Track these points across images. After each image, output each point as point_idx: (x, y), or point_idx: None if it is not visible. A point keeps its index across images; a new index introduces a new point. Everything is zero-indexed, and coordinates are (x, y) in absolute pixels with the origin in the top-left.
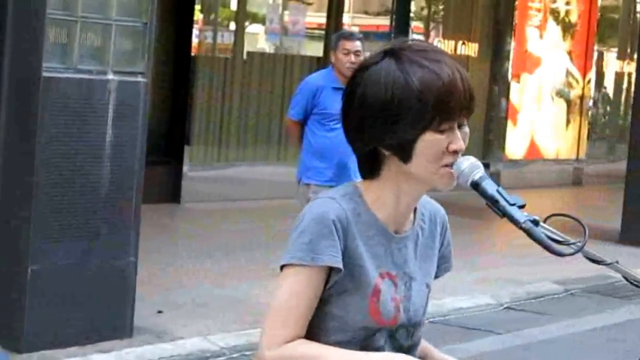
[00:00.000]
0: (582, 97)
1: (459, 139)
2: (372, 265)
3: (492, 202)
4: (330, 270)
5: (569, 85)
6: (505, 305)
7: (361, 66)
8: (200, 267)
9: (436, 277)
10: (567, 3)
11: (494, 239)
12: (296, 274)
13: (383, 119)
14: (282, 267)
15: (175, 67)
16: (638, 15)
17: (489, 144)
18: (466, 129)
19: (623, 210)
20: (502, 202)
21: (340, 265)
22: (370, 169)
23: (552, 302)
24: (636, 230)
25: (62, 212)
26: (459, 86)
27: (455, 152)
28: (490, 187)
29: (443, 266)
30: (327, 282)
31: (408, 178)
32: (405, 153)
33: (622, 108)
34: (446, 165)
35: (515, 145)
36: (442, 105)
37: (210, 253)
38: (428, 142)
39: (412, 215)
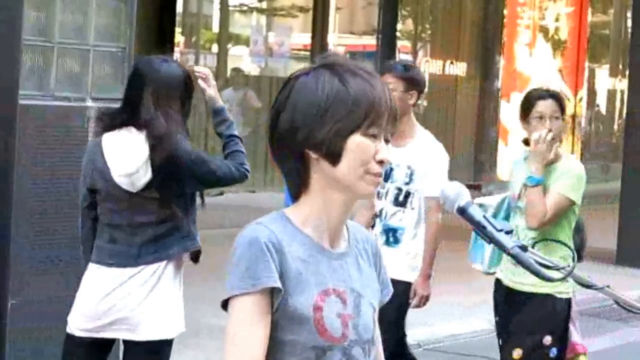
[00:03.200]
0: (573, 116)
1: (386, 149)
2: (311, 283)
3: (480, 228)
4: (272, 293)
5: None
6: None
7: (291, 77)
8: (190, 295)
9: (382, 302)
10: (557, 20)
11: None
12: (242, 304)
13: (316, 116)
14: (226, 302)
15: None
16: (629, 30)
17: (479, 165)
18: (390, 147)
19: (618, 231)
20: (490, 228)
21: (279, 284)
22: (299, 180)
23: None
24: (632, 251)
25: (42, 242)
26: (387, 97)
27: (382, 163)
28: (476, 213)
29: (385, 291)
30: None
31: (336, 185)
32: (334, 154)
33: (615, 126)
34: (371, 173)
35: (506, 166)
36: (373, 108)
37: (200, 281)
38: (357, 145)
39: (345, 233)
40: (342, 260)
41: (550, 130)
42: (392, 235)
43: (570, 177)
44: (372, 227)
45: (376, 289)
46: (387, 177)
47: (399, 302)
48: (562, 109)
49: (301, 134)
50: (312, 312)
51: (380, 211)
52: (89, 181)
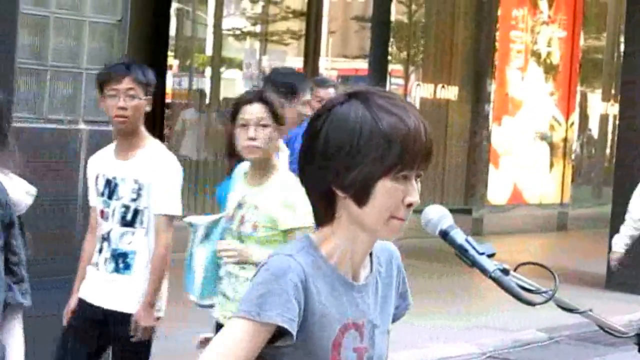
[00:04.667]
0: (565, 140)
1: (416, 191)
2: (334, 318)
3: (461, 252)
4: (280, 331)
5: (552, 127)
6: (489, 354)
7: (326, 106)
8: (177, 316)
9: (397, 318)
10: (549, 44)
11: (478, 286)
12: (241, 325)
13: (347, 155)
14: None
15: (149, 114)
16: (621, 55)
17: (470, 189)
18: (419, 185)
19: (608, 255)
20: (471, 251)
21: (287, 325)
22: (325, 212)
23: (537, 350)
24: (622, 275)
25: (34, 263)
26: (423, 136)
27: (410, 206)
28: (458, 236)
29: (403, 305)
30: (281, 335)
31: (359, 225)
32: (362, 195)
33: (607, 150)
34: (397, 218)
35: (497, 190)
36: (406, 151)
37: (185, 305)
38: (386, 190)
39: (368, 261)
40: (363, 291)
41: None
42: (122, 261)
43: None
44: (100, 251)
45: (390, 313)
46: (112, 193)
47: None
48: (274, 114)
49: (331, 173)
50: (331, 348)
51: (108, 233)
52: (9, 214)
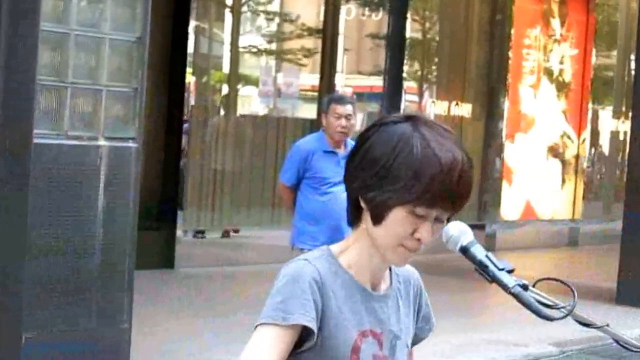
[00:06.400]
0: (577, 157)
1: (428, 231)
2: (351, 323)
3: (481, 267)
4: (304, 330)
5: (564, 144)
6: None
7: (382, 120)
8: (195, 334)
9: (422, 338)
10: (561, 62)
11: (488, 301)
12: (267, 332)
13: (377, 174)
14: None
15: (168, 130)
16: (632, 73)
17: (484, 205)
18: (442, 225)
19: (619, 270)
20: (491, 267)
21: (311, 325)
22: (354, 214)
23: None
24: (633, 290)
25: (54, 278)
26: (455, 180)
27: (419, 240)
28: (479, 252)
29: (427, 327)
30: (302, 342)
31: (372, 240)
32: (377, 214)
33: (618, 167)
34: (405, 247)
35: (510, 206)
36: (429, 190)
37: (206, 319)
38: (399, 219)
39: (387, 275)
40: (383, 302)
41: None
42: None
43: None
44: None
45: (410, 330)
46: None
47: None
48: None
49: (359, 182)
50: (350, 353)
51: None
52: None
